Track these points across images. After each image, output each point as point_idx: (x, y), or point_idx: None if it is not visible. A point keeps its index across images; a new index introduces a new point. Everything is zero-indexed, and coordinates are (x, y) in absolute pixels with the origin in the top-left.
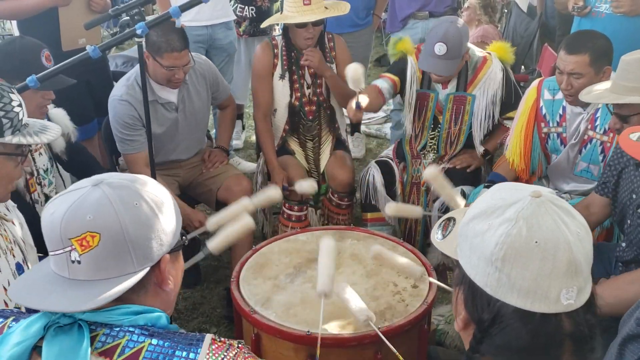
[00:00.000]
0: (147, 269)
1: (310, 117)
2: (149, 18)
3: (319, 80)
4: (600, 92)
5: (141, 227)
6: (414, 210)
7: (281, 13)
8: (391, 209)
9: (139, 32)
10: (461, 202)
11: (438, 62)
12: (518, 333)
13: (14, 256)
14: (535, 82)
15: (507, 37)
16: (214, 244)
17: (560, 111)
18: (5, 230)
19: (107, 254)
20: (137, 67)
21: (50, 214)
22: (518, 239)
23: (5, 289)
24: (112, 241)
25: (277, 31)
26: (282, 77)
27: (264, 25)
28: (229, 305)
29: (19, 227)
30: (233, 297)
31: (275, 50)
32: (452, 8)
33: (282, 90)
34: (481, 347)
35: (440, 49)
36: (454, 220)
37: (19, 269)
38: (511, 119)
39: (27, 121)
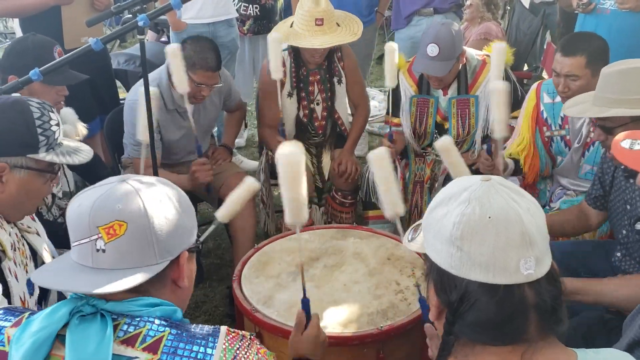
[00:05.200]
0: (167, 263)
1: (320, 132)
2: (148, 13)
3: (329, 94)
4: (583, 105)
5: (165, 221)
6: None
7: (291, 25)
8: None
9: (140, 23)
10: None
11: (431, 63)
12: (486, 307)
13: (26, 271)
14: (533, 86)
15: (510, 34)
16: (222, 212)
17: (562, 114)
18: (23, 245)
19: (131, 243)
20: (157, 71)
21: (78, 205)
22: (472, 217)
23: (21, 300)
24: (137, 231)
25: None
26: (290, 95)
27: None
28: (231, 304)
29: (43, 236)
30: (235, 296)
31: (283, 68)
32: (457, 4)
33: (289, 107)
34: (454, 329)
35: (432, 50)
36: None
37: (29, 285)
38: (516, 118)
39: (62, 140)
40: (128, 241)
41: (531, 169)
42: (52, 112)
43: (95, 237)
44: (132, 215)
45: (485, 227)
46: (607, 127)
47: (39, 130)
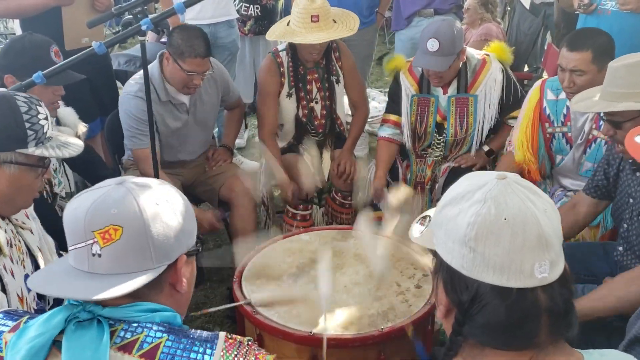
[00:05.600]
0: (165, 267)
1: (320, 131)
2: (151, 17)
3: (327, 93)
4: (591, 100)
5: (162, 224)
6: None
7: (288, 24)
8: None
9: (143, 28)
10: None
11: (431, 58)
12: (497, 310)
13: (24, 267)
14: (537, 83)
15: (511, 35)
16: (259, 299)
17: (564, 111)
18: (19, 241)
19: (128, 248)
20: (150, 66)
21: (74, 209)
22: (488, 218)
23: (19, 297)
24: (134, 235)
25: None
26: (289, 95)
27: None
28: None
29: (36, 235)
30: (235, 297)
31: (282, 69)
32: (457, 5)
33: (290, 108)
34: (464, 330)
35: (432, 45)
36: (430, 217)
37: (25, 282)
38: (515, 118)
39: (51, 134)
40: (124, 246)
41: (535, 163)
42: (40, 106)
43: (91, 241)
44: (127, 220)
45: (500, 228)
46: (616, 121)
47: (27, 125)
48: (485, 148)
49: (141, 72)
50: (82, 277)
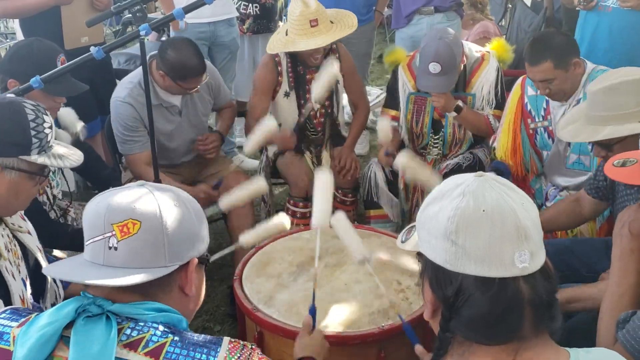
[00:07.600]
0: (176, 267)
1: (319, 128)
2: (151, 15)
3: (326, 94)
4: (576, 125)
5: (178, 225)
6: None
7: (286, 24)
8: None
9: (142, 33)
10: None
11: (435, 79)
12: (480, 302)
13: (19, 272)
14: (518, 80)
15: (512, 32)
16: (225, 202)
17: (544, 105)
18: (15, 246)
19: (143, 243)
20: (140, 69)
21: (96, 203)
22: (467, 210)
23: (21, 298)
24: (150, 231)
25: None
26: (287, 95)
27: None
28: (232, 304)
29: (34, 235)
30: (236, 295)
31: (279, 68)
32: (457, 3)
33: (288, 108)
34: (450, 325)
35: (434, 68)
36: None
37: (23, 284)
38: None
39: (53, 143)
40: (140, 240)
41: (515, 160)
42: (46, 114)
43: (109, 234)
44: (146, 216)
45: (479, 219)
46: (605, 143)
47: (33, 132)
48: (460, 103)
49: (132, 74)
50: (96, 268)
